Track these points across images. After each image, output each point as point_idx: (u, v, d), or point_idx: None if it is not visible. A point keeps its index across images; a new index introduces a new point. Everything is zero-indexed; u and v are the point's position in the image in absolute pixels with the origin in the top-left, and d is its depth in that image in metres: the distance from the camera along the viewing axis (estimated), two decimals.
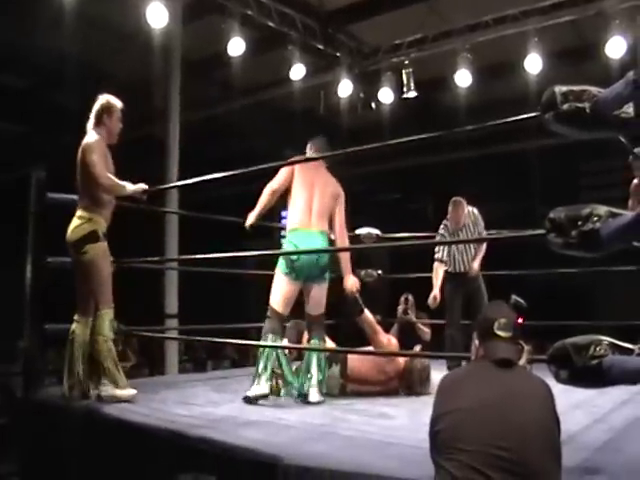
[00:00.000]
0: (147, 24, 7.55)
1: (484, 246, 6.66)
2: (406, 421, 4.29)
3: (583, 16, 8.20)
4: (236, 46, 8.37)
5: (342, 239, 5.40)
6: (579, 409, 4.43)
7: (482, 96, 10.02)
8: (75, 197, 5.16)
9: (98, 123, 4.90)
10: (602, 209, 2.93)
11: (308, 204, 5.23)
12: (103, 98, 4.97)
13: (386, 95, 10.01)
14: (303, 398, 5.00)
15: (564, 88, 3.08)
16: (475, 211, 6.71)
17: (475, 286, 6.62)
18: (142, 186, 4.92)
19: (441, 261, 6.67)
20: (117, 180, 4.77)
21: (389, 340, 5.72)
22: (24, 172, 5.41)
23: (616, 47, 7.97)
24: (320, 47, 9.57)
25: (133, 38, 8.48)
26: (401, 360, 5.54)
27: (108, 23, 9.07)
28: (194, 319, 6.82)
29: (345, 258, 5.38)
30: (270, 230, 6.08)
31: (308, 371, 5.05)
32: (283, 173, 5.26)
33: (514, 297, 2.89)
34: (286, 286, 5.13)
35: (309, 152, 5.48)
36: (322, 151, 5.42)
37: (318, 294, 5.23)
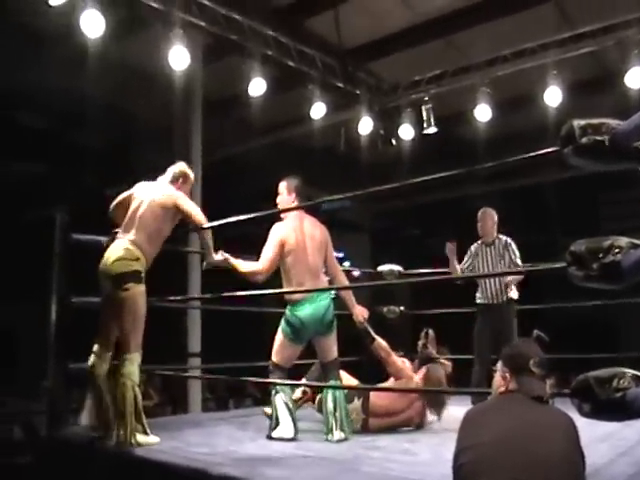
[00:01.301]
0: (168, 65, 7.62)
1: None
2: (428, 457, 4.26)
3: (602, 47, 8.19)
4: (256, 86, 8.42)
5: (340, 278, 5.41)
6: (604, 442, 4.38)
7: (502, 130, 10.04)
8: (100, 238, 5.22)
9: (174, 183, 5.07)
10: (623, 240, 2.91)
11: (304, 269, 5.18)
12: (184, 165, 5.22)
13: (406, 131, 10.02)
14: (325, 436, 4.99)
15: (582, 122, 3.09)
16: (509, 240, 6.64)
17: (506, 320, 6.48)
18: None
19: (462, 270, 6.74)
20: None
21: (403, 363, 5.74)
22: (48, 213, 5.46)
23: (636, 77, 7.95)
24: (340, 85, 9.61)
25: (154, 79, 8.57)
26: (418, 378, 5.63)
27: (130, 65, 9.19)
28: (216, 357, 6.82)
29: (347, 294, 5.44)
30: None
31: (327, 410, 5.04)
32: (272, 253, 5.13)
33: (536, 332, 2.90)
34: (290, 349, 5.19)
35: (287, 196, 5.40)
36: (300, 191, 5.41)
37: (327, 344, 5.23)
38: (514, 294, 6.54)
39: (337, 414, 5.01)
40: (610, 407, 2.80)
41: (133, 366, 4.60)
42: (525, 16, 8.14)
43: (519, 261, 6.54)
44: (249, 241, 5.52)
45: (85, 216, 5.08)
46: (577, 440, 2.46)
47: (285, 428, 4.94)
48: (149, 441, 4.58)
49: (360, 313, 5.45)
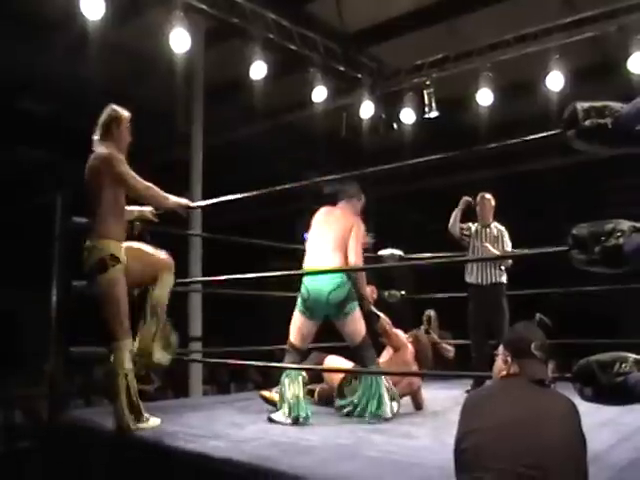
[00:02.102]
0: (170, 49, 7.60)
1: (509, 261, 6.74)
2: (430, 441, 4.27)
3: (604, 32, 8.15)
4: (258, 70, 8.41)
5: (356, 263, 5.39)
6: (606, 427, 4.39)
7: (504, 115, 9.99)
8: None
9: (106, 134, 4.67)
10: (625, 224, 2.90)
11: (317, 242, 5.31)
12: (110, 108, 4.75)
13: (408, 116, 9.99)
14: (374, 417, 5.03)
15: (585, 104, 3.08)
16: (503, 228, 6.90)
17: (496, 301, 6.67)
18: (186, 201, 4.88)
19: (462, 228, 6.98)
20: (159, 190, 4.66)
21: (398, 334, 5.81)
22: (49, 197, 5.45)
23: (638, 62, 7.91)
24: (341, 69, 9.59)
25: (155, 63, 8.54)
26: (409, 345, 5.72)
27: (131, 49, 9.15)
28: (218, 341, 6.83)
29: (359, 276, 5.41)
30: (293, 251, 6.16)
31: (368, 393, 5.09)
32: None
33: (539, 315, 2.88)
34: (302, 324, 5.23)
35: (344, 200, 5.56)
36: (355, 197, 5.55)
37: (348, 328, 5.22)
38: (503, 278, 6.77)
39: (375, 396, 5.06)
40: (612, 391, 2.80)
41: (122, 354, 4.48)
42: (528, 0, 8.09)
43: (509, 249, 6.77)
44: (252, 227, 5.53)
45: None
46: (579, 424, 2.45)
47: (285, 413, 4.95)
48: (150, 424, 4.58)
49: (369, 295, 5.48)
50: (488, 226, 6.88)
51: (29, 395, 8.70)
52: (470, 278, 6.86)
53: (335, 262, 5.19)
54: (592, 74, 9.49)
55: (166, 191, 4.81)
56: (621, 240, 2.85)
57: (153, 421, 4.62)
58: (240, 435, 4.42)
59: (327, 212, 5.49)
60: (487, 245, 6.68)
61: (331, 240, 5.26)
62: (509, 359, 2.67)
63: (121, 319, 4.52)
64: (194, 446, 4.03)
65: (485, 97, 9.21)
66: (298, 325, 5.23)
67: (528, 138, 3.73)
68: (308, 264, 5.29)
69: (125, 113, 4.78)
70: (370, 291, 5.50)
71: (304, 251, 5.40)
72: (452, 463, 2.50)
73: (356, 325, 5.21)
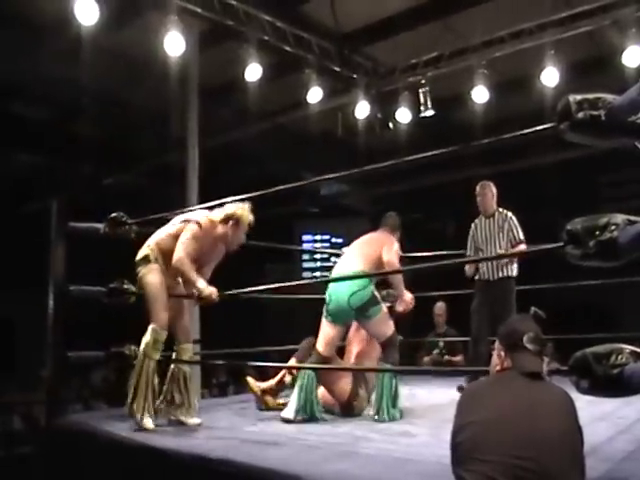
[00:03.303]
0: (164, 52, 7.59)
1: (522, 246, 6.48)
2: (427, 438, 4.25)
3: (599, 26, 8.13)
4: (253, 71, 8.40)
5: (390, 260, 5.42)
6: (604, 420, 4.40)
7: (500, 112, 9.96)
8: (97, 225, 5.24)
9: (224, 221, 4.92)
10: (619, 218, 2.90)
11: (346, 254, 5.60)
12: (241, 207, 4.92)
13: (404, 115, 9.97)
14: (378, 417, 5.02)
15: (578, 97, 3.07)
16: (510, 214, 6.61)
17: (503, 298, 6.41)
18: (209, 290, 4.75)
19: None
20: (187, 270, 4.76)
21: None
22: (46, 202, 5.45)
23: (633, 56, 7.90)
24: (336, 69, 9.57)
25: (150, 67, 8.53)
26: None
27: (125, 53, 9.14)
28: (215, 344, 6.80)
29: (398, 282, 5.56)
30: (290, 252, 6.15)
31: (380, 392, 5.07)
32: None
33: (533, 309, 2.87)
34: (326, 329, 5.30)
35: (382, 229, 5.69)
36: (394, 228, 5.69)
37: (373, 328, 5.33)
38: (513, 271, 6.52)
39: (386, 396, 5.03)
40: (607, 383, 2.79)
41: (149, 337, 4.73)
42: None
43: (521, 236, 6.50)
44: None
45: (84, 205, 5.06)
46: (574, 416, 2.45)
47: (289, 409, 4.99)
48: (146, 425, 4.60)
49: (407, 303, 5.58)
50: (492, 216, 6.62)
51: (27, 401, 8.70)
52: (476, 274, 6.68)
53: (358, 267, 5.30)
54: (587, 69, 9.46)
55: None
56: (615, 233, 2.85)
57: (147, 422, 4.64)
58: (237, 436, 4.41)
59: (363, 236, 5.65)
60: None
61: (359, 250, 5.46)
62: (502, 353, 2.67)
63: (155, 307, 4.83)
64: (192, 448, 4.02)
65: (481, 94, 9.19)
66: (322, 331, 5.29)
67: (522, 132, 3.73)
68: (334, 272, 5.47)
69: (250, 217, 4.96)
70: (408, 302, 5.53)
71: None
72: (448, 459, 2.49)
73: (378, 327, 5.29)
